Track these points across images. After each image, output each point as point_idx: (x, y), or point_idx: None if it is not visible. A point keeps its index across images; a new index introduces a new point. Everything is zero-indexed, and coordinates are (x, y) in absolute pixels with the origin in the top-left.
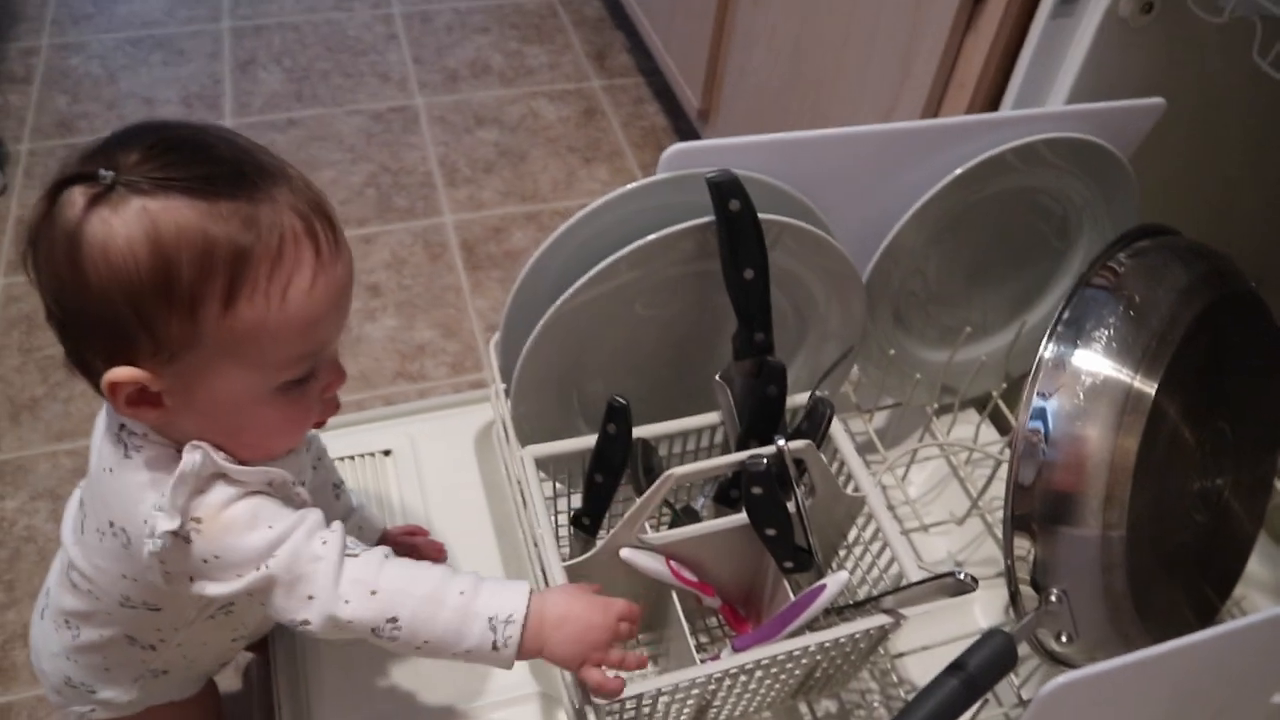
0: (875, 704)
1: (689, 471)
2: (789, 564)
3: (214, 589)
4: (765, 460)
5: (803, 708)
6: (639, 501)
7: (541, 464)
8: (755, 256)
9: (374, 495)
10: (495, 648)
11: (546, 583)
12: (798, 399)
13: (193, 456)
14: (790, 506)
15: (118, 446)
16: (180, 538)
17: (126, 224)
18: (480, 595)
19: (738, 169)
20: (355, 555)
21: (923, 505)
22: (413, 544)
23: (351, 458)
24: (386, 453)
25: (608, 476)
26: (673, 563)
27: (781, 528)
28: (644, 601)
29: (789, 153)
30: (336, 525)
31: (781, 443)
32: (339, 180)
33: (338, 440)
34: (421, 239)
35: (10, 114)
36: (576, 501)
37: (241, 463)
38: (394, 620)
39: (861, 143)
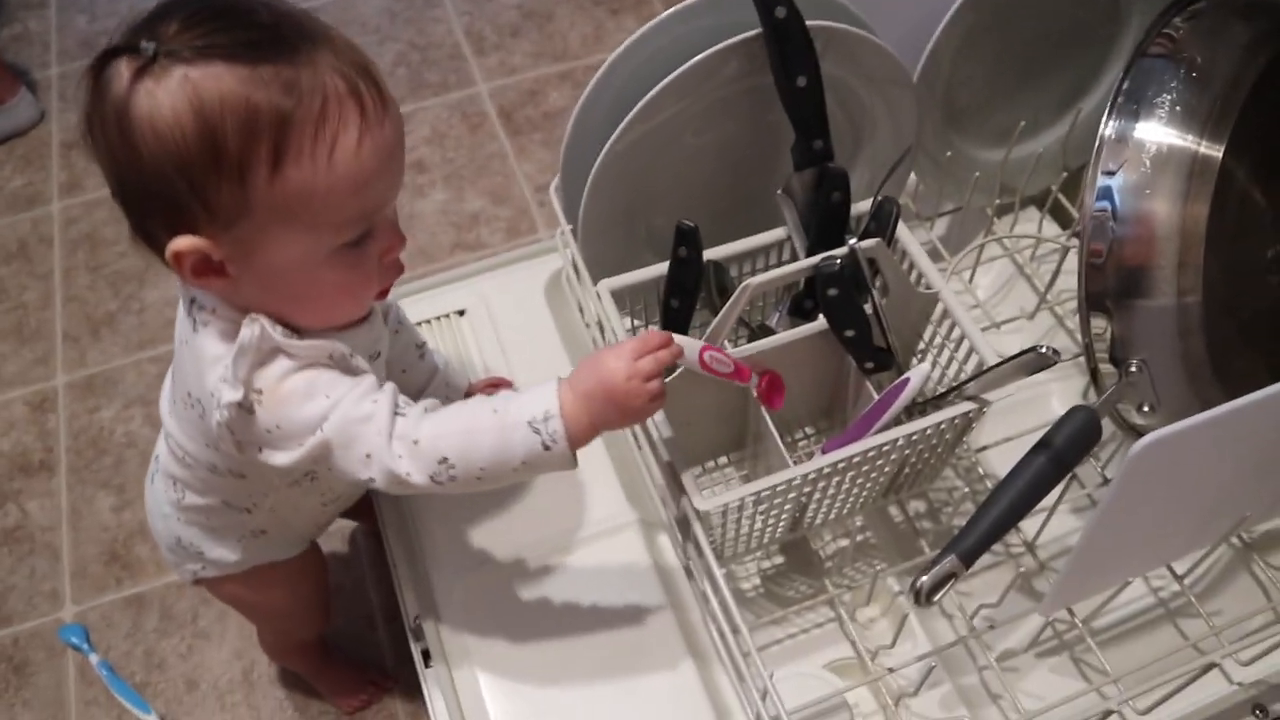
0: (963, 498)
1: (765, 280)
2: (869, 365)
3: (279, 458)
4: (839, 261)
5: (893, 509)
6: (719, 315)
7: (617, 297)
8: (807, 63)
9: (454, 354)
10: (546, 448)
11: None
12: (860, 206)
13: (251, 329)
14: (866, 308)
15: (189, 320)
16: (244, 409)
17: (171, 94)
18: (511, 406)
19: None
20: (403, 414)
21: (991, 306)
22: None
23: (428, 321)
24: (461, 313)
25: (683, 300)
26: (707, 355)
27: (860, 328)
28: (733, 417)
29: None
30: (388, 387)
31: (853, 242)
32: None
33: (412, 306)
34: (459, 111)
35: (33, 40)
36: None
37: (305, 332)
38: (444, 460)
39: None
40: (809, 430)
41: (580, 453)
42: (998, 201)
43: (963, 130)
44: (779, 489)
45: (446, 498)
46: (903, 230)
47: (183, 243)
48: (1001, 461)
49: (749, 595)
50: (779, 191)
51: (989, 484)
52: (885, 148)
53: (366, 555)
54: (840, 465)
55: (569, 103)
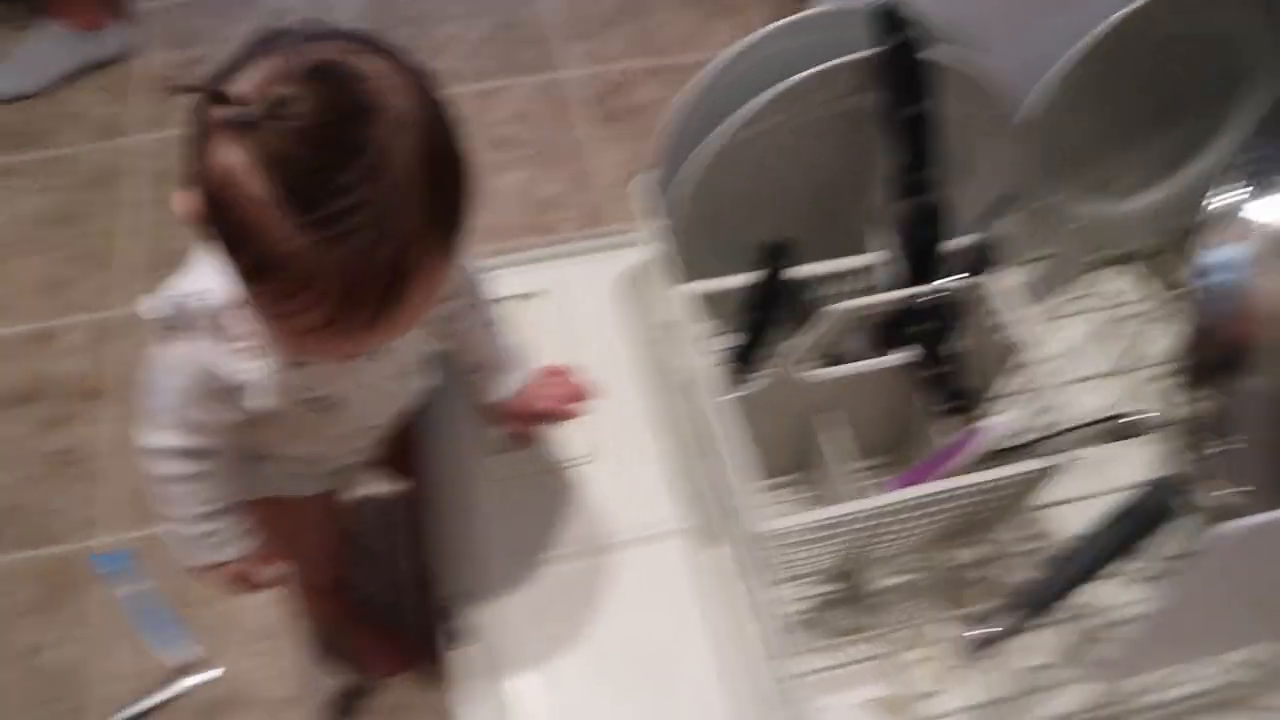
0: (1016, 553)
1: (856, 306)
2: (945, 406)
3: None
4: (932, 297)
5: (944, 555)
6: (799, 337)
7: (698, 300)
8: (919, 93)
9: (517, 337)
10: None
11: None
12: (951, 244)
13: (205, 303)
14: (951, 347)
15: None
16: (152, 324)
17: (227, 157)
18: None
19: None
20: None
21: (1069, 360)
22: (555, 384)
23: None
24: (529, 296)
25: (765, 314)
26: None
27: (942, 367)
28: (796, 442)
29: None
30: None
31: (950, 280)
32: (460, 35)
33: None
34: (546, 94)
35: None
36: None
37: None
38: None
39: None
40: (867, 465)
41: (635, 456)
42: (1089, 257)
43: (1061, 181)
44: (845, 519)
45: (498, 489)
46: (993, 275)
47: (185, 198)
48: (1059, 519)
49: (791, 621)
50: (872, 219)
51: (1044, 541)
52: (981, 188)
53: (403, 525)
54: (910, 504)
55: (657, 98)
